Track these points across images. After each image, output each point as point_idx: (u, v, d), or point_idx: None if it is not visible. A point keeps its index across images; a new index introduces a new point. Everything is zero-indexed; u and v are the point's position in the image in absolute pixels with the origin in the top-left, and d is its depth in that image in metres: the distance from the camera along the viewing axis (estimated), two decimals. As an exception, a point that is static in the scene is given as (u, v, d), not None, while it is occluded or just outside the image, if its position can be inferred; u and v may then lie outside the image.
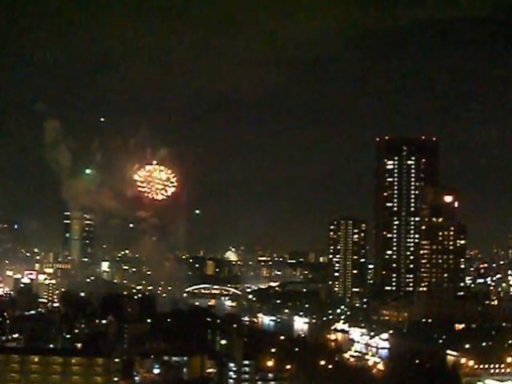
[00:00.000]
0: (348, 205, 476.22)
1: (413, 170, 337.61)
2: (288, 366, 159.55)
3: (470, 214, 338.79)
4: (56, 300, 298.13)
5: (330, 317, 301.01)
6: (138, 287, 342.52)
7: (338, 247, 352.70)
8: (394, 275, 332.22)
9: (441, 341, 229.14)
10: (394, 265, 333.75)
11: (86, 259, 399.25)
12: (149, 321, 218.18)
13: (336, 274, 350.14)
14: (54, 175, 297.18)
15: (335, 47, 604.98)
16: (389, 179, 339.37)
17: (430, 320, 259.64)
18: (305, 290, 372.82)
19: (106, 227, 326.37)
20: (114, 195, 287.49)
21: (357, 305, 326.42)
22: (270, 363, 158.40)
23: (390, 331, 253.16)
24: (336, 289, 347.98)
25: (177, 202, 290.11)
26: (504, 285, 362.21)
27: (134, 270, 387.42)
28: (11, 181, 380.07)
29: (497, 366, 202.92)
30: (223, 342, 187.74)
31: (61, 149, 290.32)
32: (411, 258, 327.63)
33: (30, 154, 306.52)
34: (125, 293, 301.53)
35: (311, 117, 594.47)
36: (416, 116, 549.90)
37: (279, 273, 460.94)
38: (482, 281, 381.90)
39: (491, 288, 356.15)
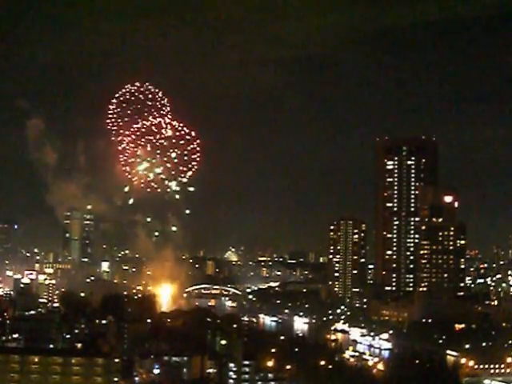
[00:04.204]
0: (348, 205, 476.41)
1: (413, 170, 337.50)
2: (288, 366, 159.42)
3: (469, 213, 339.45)
4: (56, 300, 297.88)
5: (330, 317, 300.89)
6: (138, 287, 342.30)
7: (338, 247, 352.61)
8: (394, 275, 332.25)
9: (441, 341, 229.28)
10: (394, 265, 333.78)
11: (85, 259, 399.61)
12: (149, 321, 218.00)
13: (336, 274, 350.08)
14: (53, 175, 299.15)
15: (335, 47, 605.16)
16: (389, 179, 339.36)
17: (430, 320, 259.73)
18: (305, 290, 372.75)
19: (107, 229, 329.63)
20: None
21: (357, 305, 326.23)
22: (270, 363, 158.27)
23: (390, 331, 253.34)
24: (336, 289, 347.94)
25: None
26: (504, 285, 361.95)
27: (133, 269, 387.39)
28: (11, 181, 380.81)
29: (497, 366, 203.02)
30: (223, 342, 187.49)
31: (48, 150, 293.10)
32: (411, 258, 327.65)
33: (30, 154, 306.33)
34: (125, 293, 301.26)
35: (311, 117, 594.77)
36: (416, 116, 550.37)
37: (279, 273, 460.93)
38: (482, 281, 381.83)
39: (491, 288, 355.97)
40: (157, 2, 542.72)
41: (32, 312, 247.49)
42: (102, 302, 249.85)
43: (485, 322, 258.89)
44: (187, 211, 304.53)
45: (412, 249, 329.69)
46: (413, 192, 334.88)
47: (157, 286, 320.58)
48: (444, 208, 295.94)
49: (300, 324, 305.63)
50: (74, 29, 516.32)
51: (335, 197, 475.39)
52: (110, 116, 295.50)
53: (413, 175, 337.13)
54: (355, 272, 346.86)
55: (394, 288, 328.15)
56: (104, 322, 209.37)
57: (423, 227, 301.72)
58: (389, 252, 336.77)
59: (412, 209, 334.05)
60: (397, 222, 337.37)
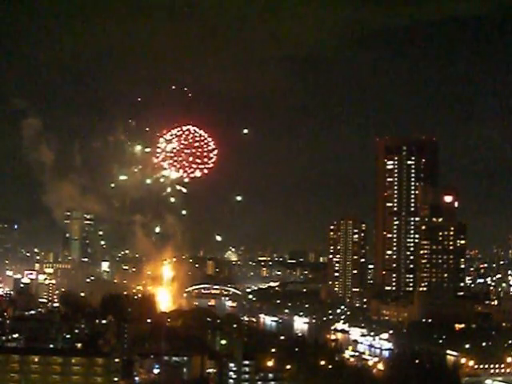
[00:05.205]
0: (348, 205, 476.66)
1: (413, 170, 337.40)
2: (288, 366, 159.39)
3: (469, 214, 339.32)
4: (56, 300, 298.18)
5: (330, 317, 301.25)
6: (138, 287, 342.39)
7: (338, 247, 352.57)
8: (394, 275, 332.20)
9: (441, 341, 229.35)
10: (394, 265, 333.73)
11: (85, 259, 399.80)
12: (149, 321, 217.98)
13: (336, 274, 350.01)
14: (53, 175, 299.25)
15: (335, 47, 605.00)
16: (389, 179, 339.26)
17: (430, 320, 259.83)
18: (305, 290, 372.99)
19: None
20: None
21: (357, 305, 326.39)
22: (270, 363, 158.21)
23: (390, 331, 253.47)
24: (336, 289, 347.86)
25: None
26: (504, 285, 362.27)
27: (133, 270, 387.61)
28: (11, 181, 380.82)
29: (497, 366, 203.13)
30: (223, 342, 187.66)
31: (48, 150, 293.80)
32: (411, 258, 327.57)
33: (30, 154, 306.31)
34: (125, 293, 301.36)
35: (311, 117, 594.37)
36: (416, 116, 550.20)
37: (279, 273, 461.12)
38: (481, 281, 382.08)
39: (491, 288, 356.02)
40: (158, 2, 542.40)
41: (32, 312, 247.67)
42: (101, 302, 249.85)
43: (485, 322, 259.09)
44: (183, 212, 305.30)
45: (412, 249, 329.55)
46: (413, 192, 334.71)
47: (157, 286, 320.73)
48: (444, 208, 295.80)
49: (300, 324, 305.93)
50: (71, 27, 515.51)
51: (335, 197, 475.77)
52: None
53: (413, 175, 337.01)
54: (355, 272, 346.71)
55: (394, 288, 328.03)
56: (104, 321, 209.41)
57: (423, 227, 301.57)
58: (389, 252, 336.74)
59: (412, 209, 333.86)
60: (397, 222, 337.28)
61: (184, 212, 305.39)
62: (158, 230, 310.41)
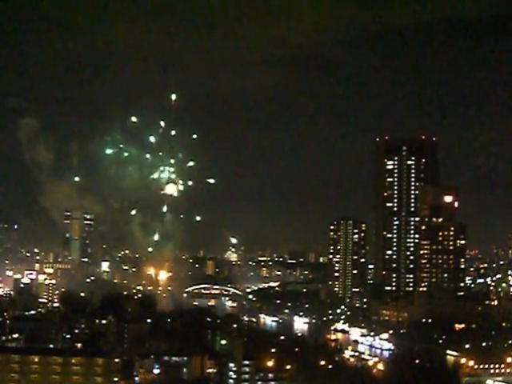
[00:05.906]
0: (348, 205, 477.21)
1: (413, 170, 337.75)
2: (288, 366, 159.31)
3: (469, 214, 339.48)
4: (56, 300, 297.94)
5: (330, 317, 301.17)
6: (138, 287, 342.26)
7: (338, 247, 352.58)
8: (394, 275, 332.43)
9: (441, 341, 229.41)
10: (394, 265, 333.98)
11: (85, 259, 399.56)
12: (149, 321, 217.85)
13: (336, 274, 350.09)
14: (53, 175, 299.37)
15: (335, 48, 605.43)
16: (389, 179, 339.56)
17: (430, 320, 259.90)
18: (305, 290, 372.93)
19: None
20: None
21: (357, 305, 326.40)
22: (270, 363, 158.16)
23: (390, 331, 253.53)
24: (336, 289, 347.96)
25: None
26: (504, 285, 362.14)
27: (133, 269, 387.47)
28: (11, 181, 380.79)
29: (497, 366, 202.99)
30: (223, 341, 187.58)
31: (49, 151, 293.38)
32: (411, 258, 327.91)
33: (30, 155, 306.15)
34: (125, 293, 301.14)
35: (311, 117, 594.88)
36: (416, 116, 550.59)
37: (279, 273, 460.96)
38: (482, 281, 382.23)
39: (491, 288, 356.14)
40: (157, 3, 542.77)
41: (32, 312, 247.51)
42: (101, 302, 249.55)
43: (485, 322, 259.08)
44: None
45: (412, 249, 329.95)
46: (413, 192, 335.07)
47: (157, 286, 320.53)
48: (444, 208, 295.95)
49: (300, 324, 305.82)
50: (70, 28, 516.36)
51: (335, 197, 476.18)
52: None
53: (413, 175, 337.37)
54: (355, 272, 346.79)
55: (394, 288, 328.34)
56: (104, 321, 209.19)
57: (423, 227, 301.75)
58: (389, 252, 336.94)
59: (412, 209, 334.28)
60: (397, 222, 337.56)
61: (182, 216, 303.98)
62: (157, 229, 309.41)
